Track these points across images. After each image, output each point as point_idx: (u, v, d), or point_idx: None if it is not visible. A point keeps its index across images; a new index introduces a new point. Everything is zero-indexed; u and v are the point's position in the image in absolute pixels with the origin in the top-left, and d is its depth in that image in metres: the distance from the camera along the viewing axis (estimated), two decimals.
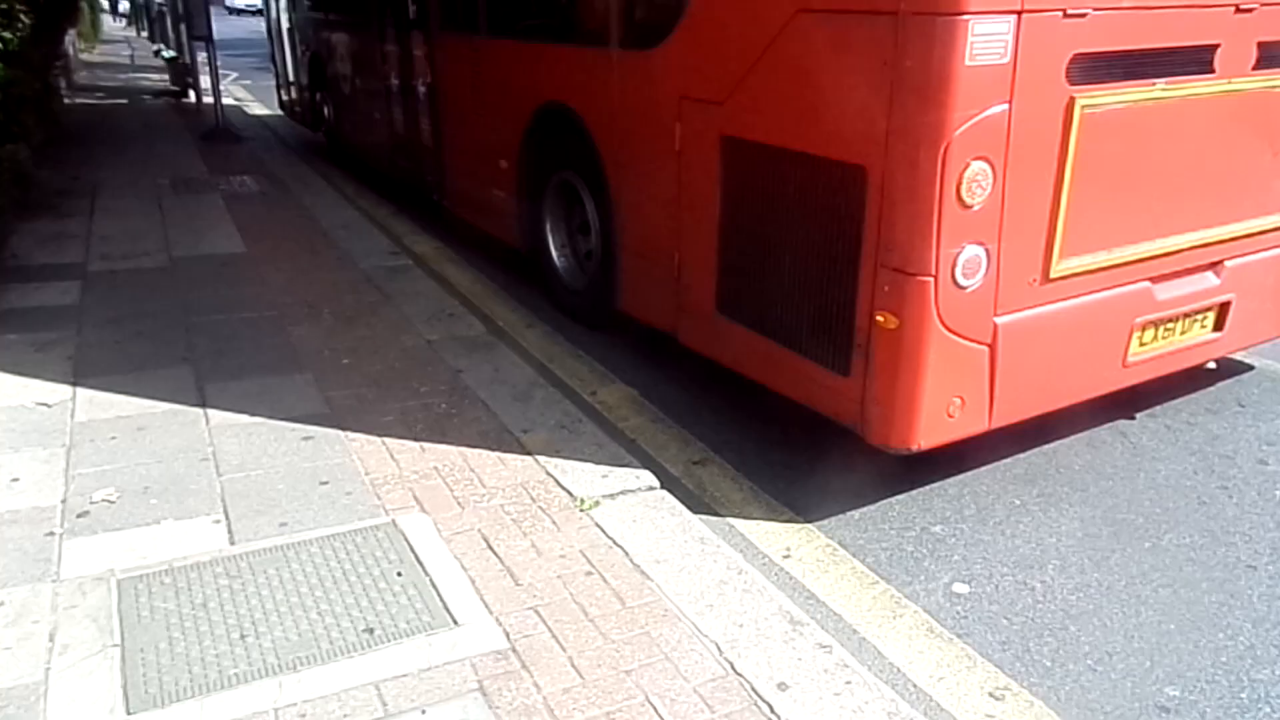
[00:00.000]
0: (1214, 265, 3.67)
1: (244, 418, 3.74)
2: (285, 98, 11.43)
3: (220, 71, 11.50)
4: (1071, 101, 2.91)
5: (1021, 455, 3.81)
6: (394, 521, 3.02)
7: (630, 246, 4.48)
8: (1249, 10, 3.27)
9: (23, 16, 6.79)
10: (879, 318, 2.97)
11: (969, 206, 2.81)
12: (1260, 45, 3.35)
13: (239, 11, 43.73)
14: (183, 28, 13.06)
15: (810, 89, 3.11)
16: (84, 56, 22.35)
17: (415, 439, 3.60)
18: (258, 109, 14.10)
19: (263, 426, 3.67)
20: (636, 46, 4.10)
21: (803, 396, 3.42)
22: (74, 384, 4.01)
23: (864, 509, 3.44)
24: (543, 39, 5.07)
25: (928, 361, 2.93)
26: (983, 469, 3.71)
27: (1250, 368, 4.67)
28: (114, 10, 46.50)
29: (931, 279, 2.85)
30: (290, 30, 10.54)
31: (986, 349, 3.05)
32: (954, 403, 3.05)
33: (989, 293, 2.98)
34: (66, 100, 12.69)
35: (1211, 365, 4.24)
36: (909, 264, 2.86)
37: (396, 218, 7.43)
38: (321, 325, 4.83)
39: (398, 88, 7.30)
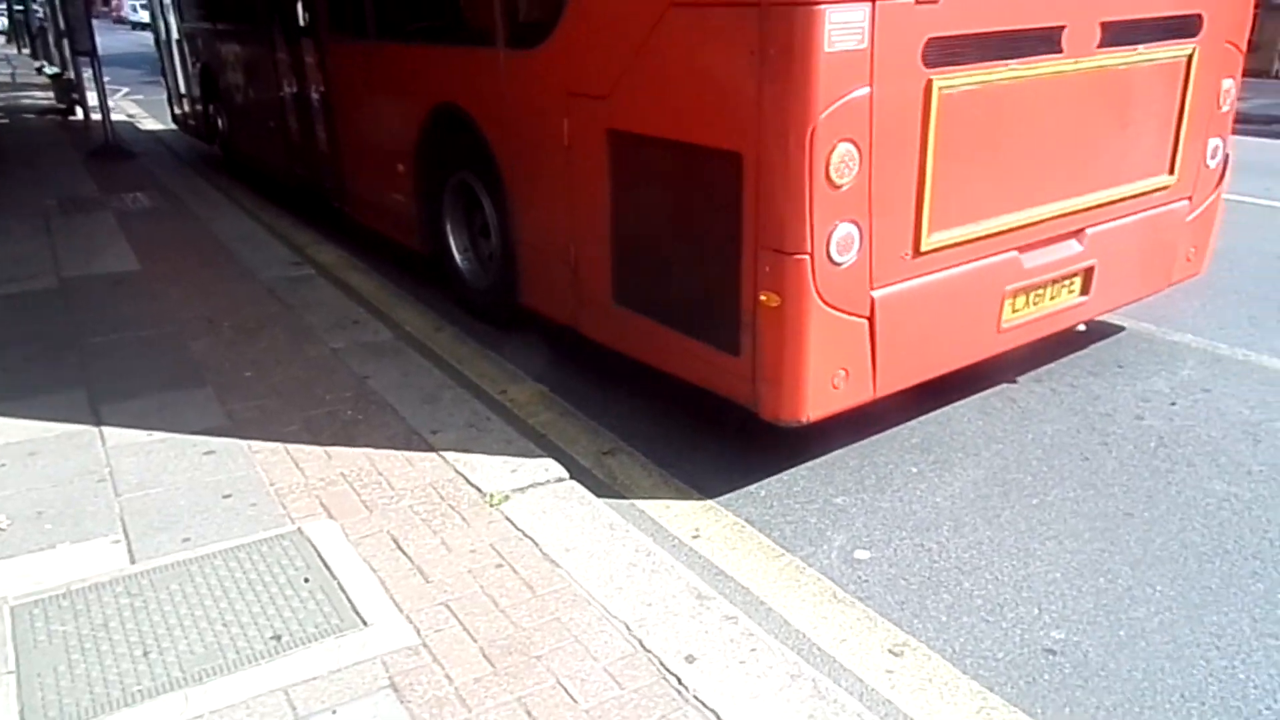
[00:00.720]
0: (1076, 233, 3.88)
1: (142, 436, 3.66)
2: (178, 111, 11.22)
3: (110, 86, 11.13)
4: (929, 83, 3.07)
5: (917, 424, 3.97)
6: (300, 529, 3.00)
7: (528, 242, 4.53)
8: None
9: None
10: (762, 297, 3.08)
11: (838, 186, 2.95)
12: (1103, 25, 3.56)
13: (134, 25, 41.79)
14: (65, 43, 12.56)
15: (685, 80, 3.22)
16: None
17: (321, 446, 3.57)
18: (150, 124, 13.66)
19: (162, 443, 3.60)
20: (522, 46, 4.17)
21: (699, 378, 3.53)
22: None
23: (770, 485, 3.54)
24: (432, 41, 5.12)
25: (810, 336, 3.07)
26: (881, 438, 3.86)
27: (1122, 329, 4.94)
28: None
29: (808, 257, 2.98)
30: (180, 42, 10.34)
31: (866, 322, 3.20)
32: (838, 374, 3.19)
33: (864, 268, 3.13)
34: None
35: (1082, 328, 4.47)
36: (786, 244, 2.99)
37: (299, 228, 7.31)
38: (222, 339, 4.74)
39: (292, 96, 7.22)
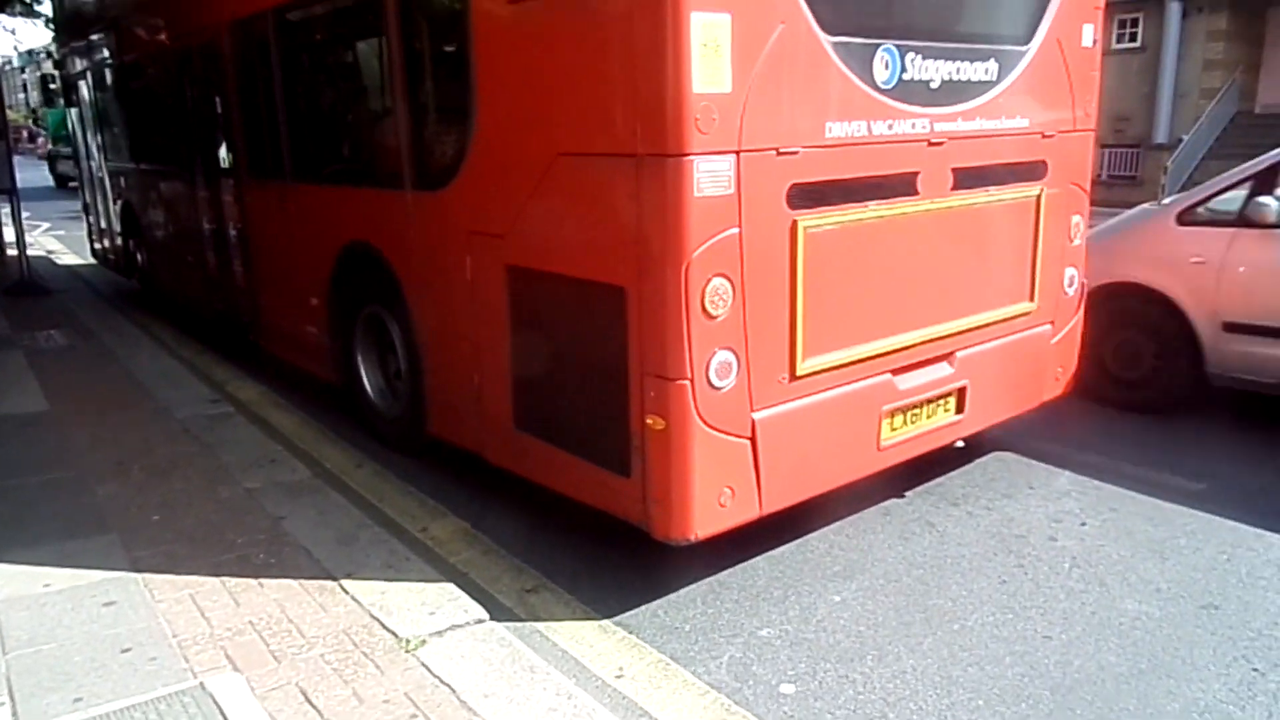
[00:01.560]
0: (947, 356, 4.17)
1: (36, 588, 3.47)
2: (99, 246, 11.29)
3: (30, 222, 10.98)
4: (795, 223, 3.39)
5: (839, 551, 4.00)
6: (202, 684, 2.85)
7: (435, 372, 4.66)
8: (939, 144, 3.89)
9: None
10: (649, 420, 3.25)
11: (714, 317, 3.21)
12: (954, 171, 3.98)
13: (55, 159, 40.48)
14: None
15: (574, 220, 3.50)
16: None
17: (229, 594, 3.44)
18: (70, 259, 13.48)
19: (58, 596, 3.42)
20: (428, 188, 4.39)
21: (595, 500, 3.65)
22: None
23: (695, 620, 3.50)
24: (345, 183, 5.37)
25: (694, 457, 3.24)
26: (805, 565, 3.86)
27: (1027, 448, 5.13)
28: None
29: (688, 382, 3.19)
30: (102, 180, 10.48)
31: (748, 442, 3.39)
32: (724, 493, 3.36)
33: (743, 391, 3.34)
34: None
35: (960, 444, 4.60)
36: (668, 370, 3.19)
37: (220, 364, 7.19)
38: (130, 482, 4.58)
39: (211, 232, 7.37)
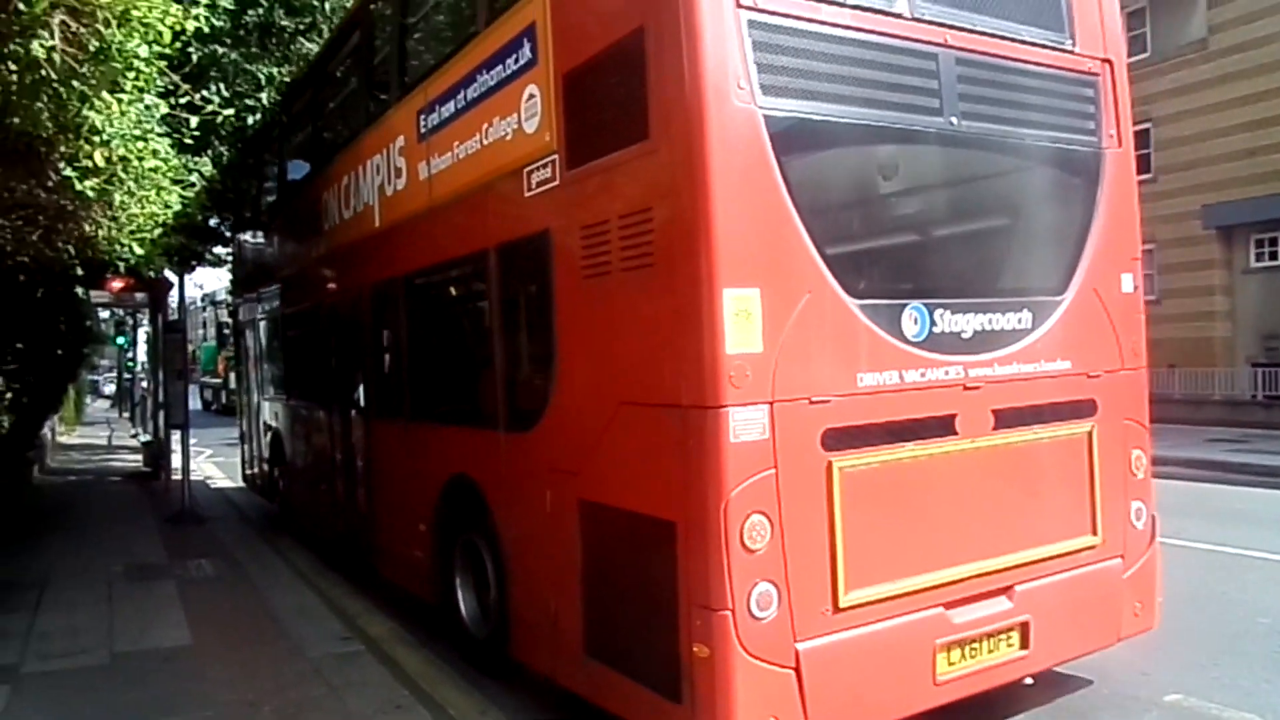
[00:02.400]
0: (1005, 590, 4.13)
1: None
2: (249, 471, 12.39)
3: (194, 449, 11.86)
4: (830, 464, 3.63)
5: None
6: None
7: (519, 597, 4.95)
8: (975, 388, 4.09)
9: (4, 419, 7.12)
10: (695, 649, 3.42)
11: (753, 551, 3.42)
12: (995, 413, 4.13)
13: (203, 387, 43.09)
14: (161, 415, 13.64)
15: (634, 461, 3.85)
16: (63, 439, 22.98)
17: None
18: (224, 482, 14.39)
19: None
20: (518, 429, 4.87)
21: (605, 694, 3.96)
22: None
23: None
24: (452, 422, 5.94)
25: (737, 685, 3.36)
26: None
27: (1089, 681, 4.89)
28: (97, 391, 48.51)
29: (729, 612, 3.36)
30: (259, 413, 11.60)
31: (792, 672, 3.48)
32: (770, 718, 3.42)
33: (785, 622, 3.48)
34: (36, 481, 12.85)
35: (1029, 681, 4.45)
36: (710, 600, 3.38)
37: (353, 596, 7.35)
38: None
39: (341, 462, 8.06)
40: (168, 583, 7.73)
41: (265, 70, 10.26)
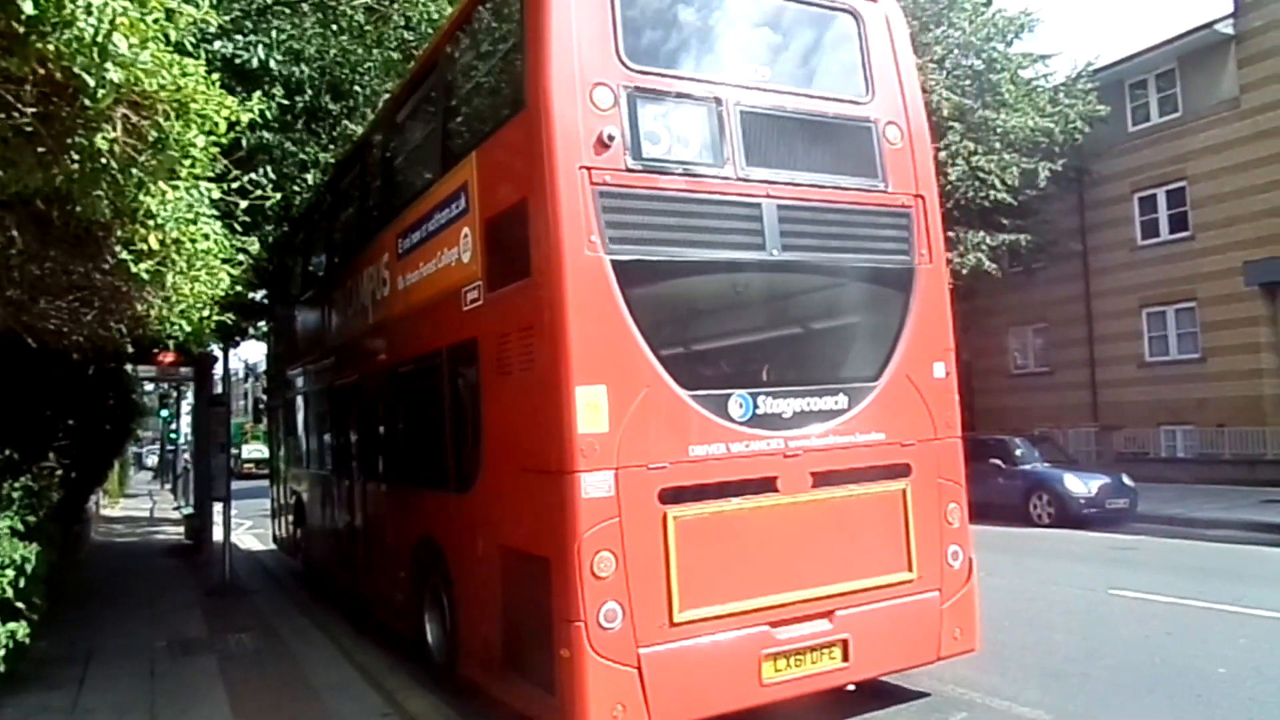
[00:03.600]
0: (827, 614, 5.29)
1: None
2: (280, 534, 13.63)
3: (235, 520, 11.99)
4: (665, 514, 4.91)
5: None
6: None
7: (464, 627, 6.22)
8: (795, 455, 5.29)
9: (53, 494, 7.24)
10: (561, 652, 4.66)
11: (602, 578, 4.68)
12: (814, 474, 5.34)
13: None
14: (203, 487, 13.81)
15: (529, 513, 5.18)
16: (106, 511, 23.25)
17: None
18: (255, 545, 14.53)
19: None
20: (463, 492, 6.21)
21: (543, 717, 5.06)
22: None
23: None
24: (421, 486, 7.25)
25: (589, 680, 4.59)
26: None
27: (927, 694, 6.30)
28: (140, 463, 49.26)
29: (583, 624, 4.64)
30: (285, 480, 13.13)
31: (635, 670, 4.69)
32: (617, 709, 4.61)
33: (628, 632, 4.71)
34: (82, 556, 12.98)
35: (851, 687, 5.67)
36: (570, 615, 4.67)
37: (393, 671, 7.39)
38: None
39: (345, 521, 9.53)
40: (209, 658, 7.76)
41: (311, 153, 10.60)
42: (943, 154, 18.88)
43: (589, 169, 4.94)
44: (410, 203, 7.11)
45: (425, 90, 7.27)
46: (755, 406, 5.21)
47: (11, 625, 6.36)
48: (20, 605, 6.62)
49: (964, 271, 19.93)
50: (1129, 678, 6.68)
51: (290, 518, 12.51)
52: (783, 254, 5.48)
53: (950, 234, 19.93)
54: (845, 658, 5.28)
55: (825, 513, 5.33)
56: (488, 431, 5.74)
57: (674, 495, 4.88)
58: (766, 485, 5.15)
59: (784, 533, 5.16)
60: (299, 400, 12.22)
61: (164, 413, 29.08)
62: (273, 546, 13.72)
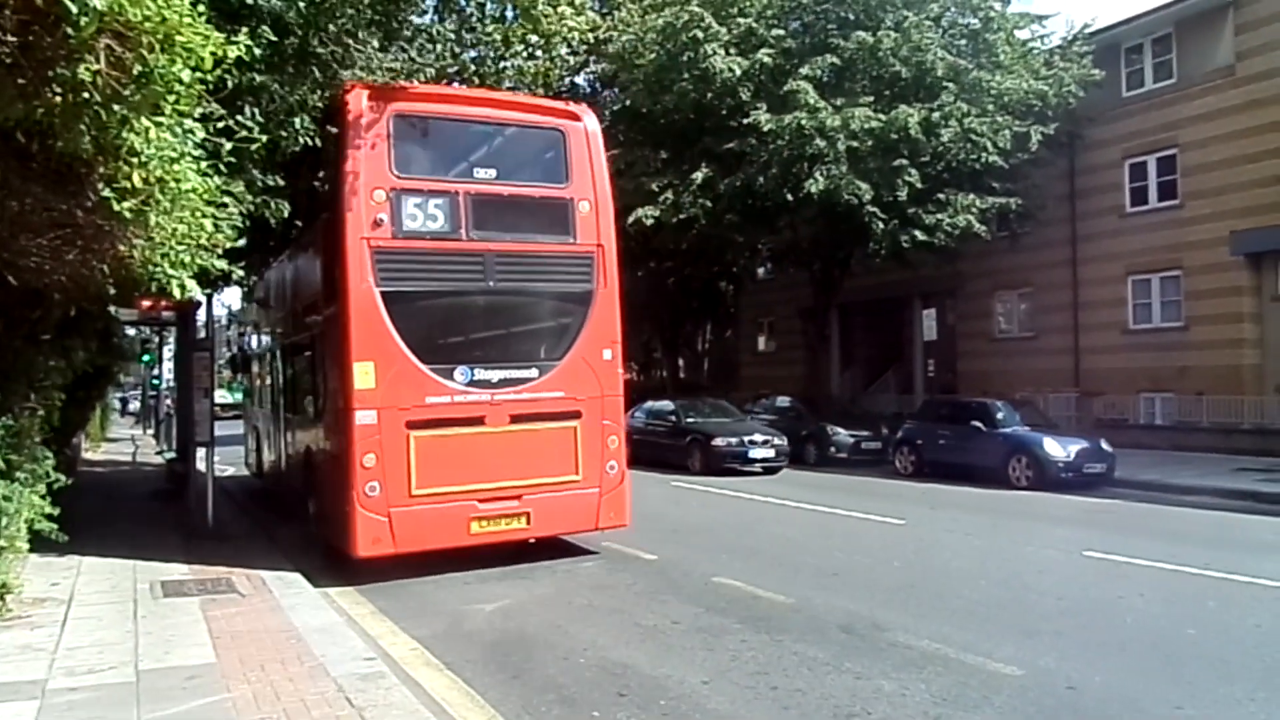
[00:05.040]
0: (517, 496, 9.06)
1: None
2: (249, 460, 17.38)
3: (218, 466, 11.99)
4: (408, 435, 8.63)
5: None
6: None
7: (316, 500, 10.33)
8: (499, 403, 9.06)
9: (35, 434, 7.20)
10: (346, 509, 8.59)
11: (368, 469, 8.53)
12: (511, 415, 9.05)
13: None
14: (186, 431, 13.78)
15: (336, 431, 9.24)
16: (87, 455, 23.12)
17: None
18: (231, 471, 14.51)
19: None
20: (317, 420, 10.50)
21: (341, 545, 8.87)
22: None
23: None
24: (304, 416, 11.57)
25: (359, 524, 8.55)
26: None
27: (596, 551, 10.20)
28: (124, 409, 48.95)
29: (355, 492, 8.53)
30: (250, 417, 17.76)
31: (386, 520, 8.52)
32: (376, 539, 8.51)
33: (384, 498, 8.49)
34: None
35: (532, 540, 9.45)
36: (350, 488, 8.56)
37: (376, 617, 7.48)
38: None
39: (278, 444, 13.73)
40: (191, 600, 7.78)
41: (300, 96, 10.38)
42: (936, 115, 18.76)
43: (368, 239, 8.79)
44: (300, 241, 12.14)
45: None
46: (473, 374, 9.15)
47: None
48: (1, 543, 6.62)
49: (954, 234, 19.94)
50: (1100, 636, 6.82)
51: (253, 446, 16.72)
52: (498, 283, 9.49)
53: (940, 196, 19.91)
54: (528, 523, 9.26)
55: (519, 438, 9.22)
56: (325, 385, 9.96)
57: (415, 425, 8.77)
58: (478, 421, 9.08)
59: (490, 448, 9.06)
60: (253, 359, 17.12)
61: (146, 357, 28.84)
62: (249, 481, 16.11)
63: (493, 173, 9.60)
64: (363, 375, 8.54)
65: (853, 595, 8.19)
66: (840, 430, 20.15)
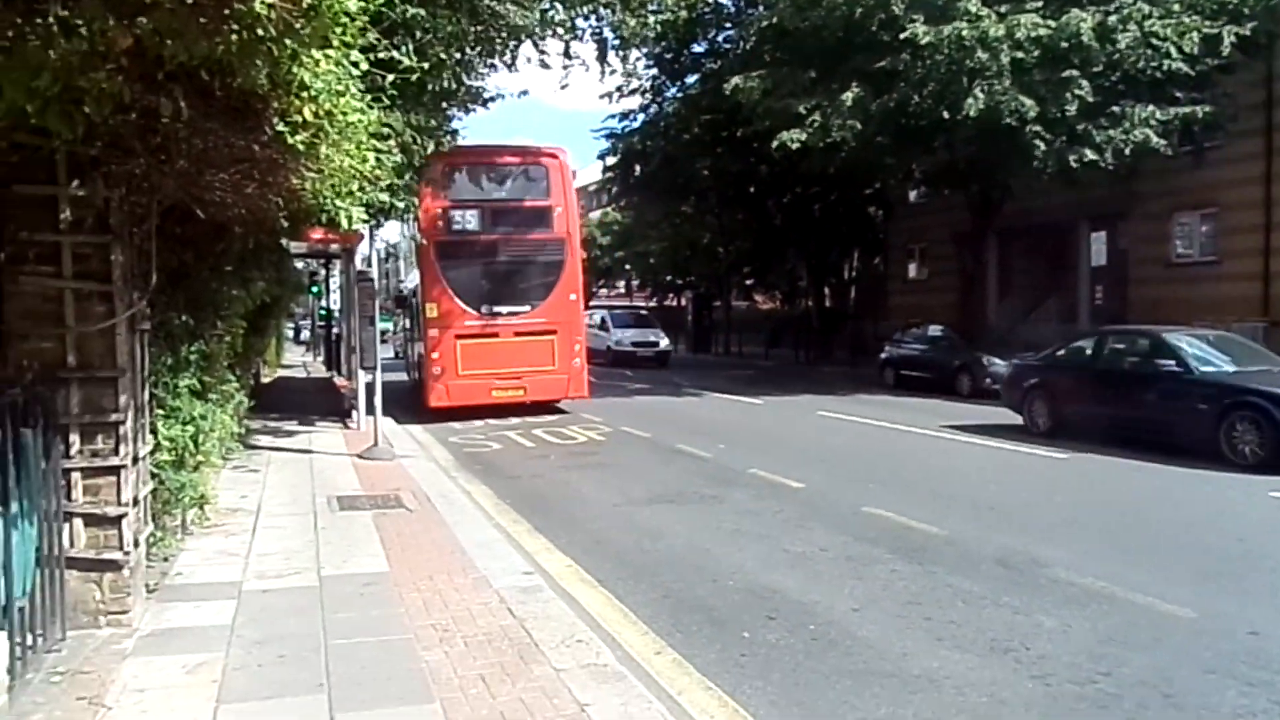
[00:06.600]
0: (520, 377, 16.55)
1: None
2: (409, 376, 22.62)
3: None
4: (456, 342, 16.49)
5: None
6: None
7: (427, 369, 17.42)
8: (507, 324, 16.79)
9: (224, 359, 7.76)
10: (429, 381, 16.93)
11: (435, 359, 16.55)
12: (513, 330, 16.76)
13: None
14: (355, 358, 14.70)
15: (427, 342, 17.29)
16: (264, 380, 24.84)
17: None
18: (413, 426, 15.32)
19: None
20: (422, 336, 18.59)
21: (428, 403, 16.74)
22: (215, 710, 4.11)
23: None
24: (419, 338, 19.57)
25: (431, 387, 16.71)
26: None
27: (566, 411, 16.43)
28: (296, 337, 52.24)
29: (429, 372, 16.74)
30: (405, 344, 27.23)
31: (445, 387, 16.55)
32: (439, 398, 16.48)
33: (444, 376, 16.56)
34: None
35: (526, 401, 16.68)
36: (427, 370, 16.99)
37: (532, 535, 7.77)
38: (454, 651, 4.88)
39: (414, 355, 21.69)
40: (365, 514, 8.31)
41: (454, 28, 10.56)
42: (1112, 18, 17.28)
43: (435, 236, 16.74)
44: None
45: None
46: (492, 309, 16.65)
47: (193, 477, 6.98)
48: (200, 459, 7.24)
49: (1129, 150, 18.37)
50: None
51: (403, 353, 26.61)
52: (506, 257, 17.04)
53: (1115, 109, 18.42)
54: (524, 393, 16.49)
55: (519, 344, 16.50)
56: (420, 316, 18.23)
57: (460, 335, 16.30)
58: (494, 334, 16.49)
59: (502, 350, 16.40)
60: (407, 303, 25.50)
61: (314, 289, 30.64)
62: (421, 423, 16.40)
63: (504, 192, 17.12)
64: (431, 310, 16.46)
65: (1010, 529, 7.92)
66: (996, 361, 19.30)
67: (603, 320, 33.69)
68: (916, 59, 18.15)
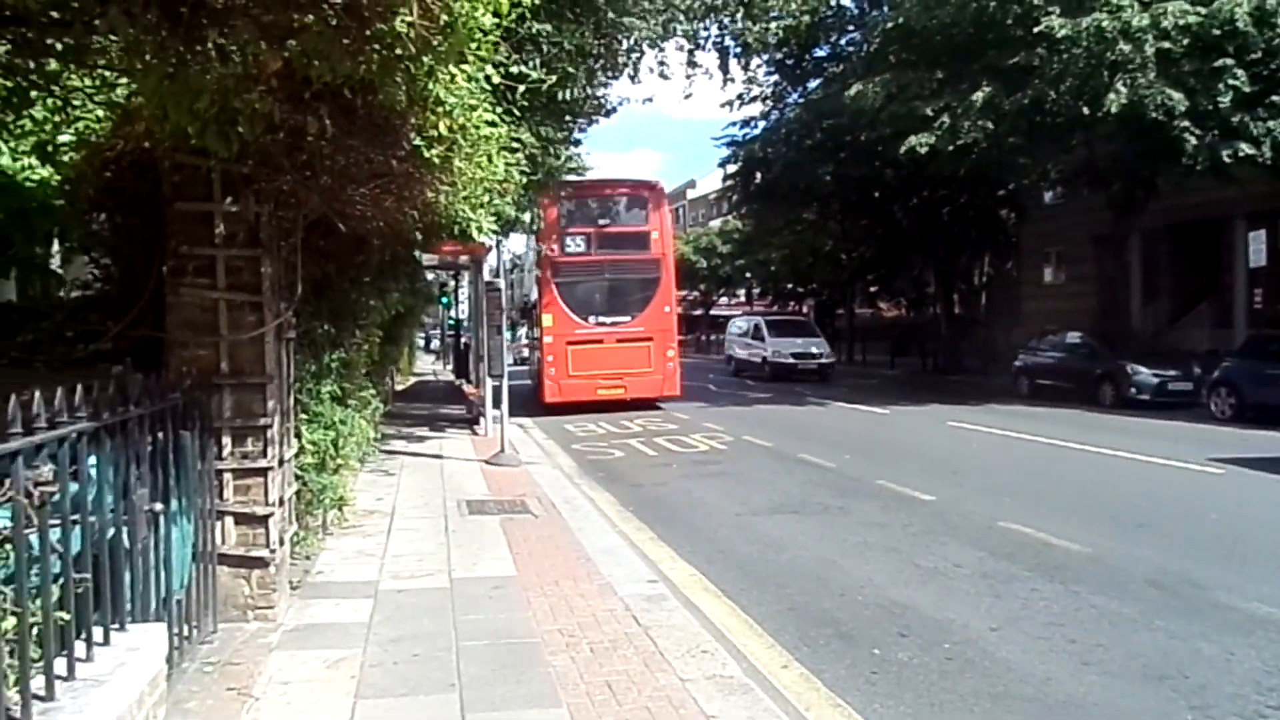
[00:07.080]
0: (621, 378, 19.63)
1: None
2: (531, 381, 23.41)
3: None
4: (567, 348, 19.67)
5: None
6: None
7: (539, 380, 21.67)
8: (611, 331, 20.07)
9: (362, 367, 8.07)
10: (543, 380, 20.34)
11: (549, 363, 19.86)
12: (617, 338, 19.91)
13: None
14: (483, 367, 15.15)
15: (543, 349, 20.80)
16: (398, 388, 25.80)
17: None
18: (536, 434, 15.57)
19: None
20: (542, 347, 21.30)
21: (543, 398, 20.08)
22: (354, 705, 4.25)
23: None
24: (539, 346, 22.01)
25: (546, 386, 19.93)
26: None
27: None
28: (426, 346, 54.21)
29: (545, 372, 20.08)
30: (531, 351, 27.63)
31: (558, 385, 19.60)
32: (553, 394, 19.63)
33: (557, 376, 19.69)
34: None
35: (626, 398, 19.56)
36: (543, 371, 20.40)
37: (655, 543, 7.79)
38: (580, 656, 4.91)
39: (534, 360, 23.84)
40: (493, 518, 8.49)
41: (578, 42, 10.76)
42: (1271, 1, 16.11)
43: (551, 258, 20.20)
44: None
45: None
46: (598, 319, 20.03)
47: (333, 479, 7.29)
48: (339, 462, 7.55)
49: None
50: None
51: (532, 367, 24.85)
52: (610, 276, 20.36)
53: (1275, 98, 17.13)
54: (626, 391, 19.48)
55: (621, 350, 19.65)
56: (538, 325, 21.13)
57: (571, 342, 19.49)
58: (599, 341, 19.65)
59: (606, 355, 19.57)
60: (529, 313, 28.54)
61: (444, 300, 31.75)
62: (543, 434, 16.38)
63: (608, 220, 20.36)
64: (547, 319, 19.75)
65: (1161, 548, 7.44)
66: (1142, 369, 18.28)
67: (756, 328, 30.27)
68: (1053, 53, 17.38)
